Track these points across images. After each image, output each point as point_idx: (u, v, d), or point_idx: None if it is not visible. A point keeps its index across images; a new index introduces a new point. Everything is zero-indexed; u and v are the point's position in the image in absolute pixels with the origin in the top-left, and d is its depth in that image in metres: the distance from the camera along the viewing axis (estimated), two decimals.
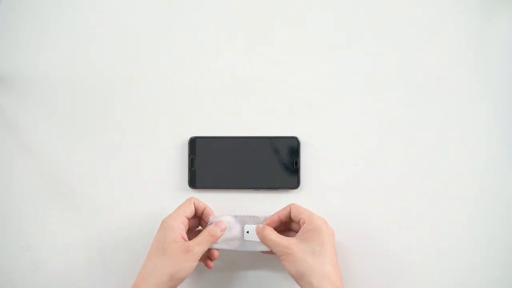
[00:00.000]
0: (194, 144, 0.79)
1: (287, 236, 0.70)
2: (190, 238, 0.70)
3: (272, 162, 0.78)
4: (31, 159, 0.80)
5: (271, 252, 0.71)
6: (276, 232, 0.70)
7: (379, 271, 0.76)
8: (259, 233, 0.71)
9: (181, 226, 0.70)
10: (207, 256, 0.73)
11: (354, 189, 0.77)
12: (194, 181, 0.78)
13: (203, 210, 0.74)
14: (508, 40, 0.78)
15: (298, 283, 0.66)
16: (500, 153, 0.77)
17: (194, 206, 0.73)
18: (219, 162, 0.78)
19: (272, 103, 0.79)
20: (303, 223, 0.70)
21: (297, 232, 0.70)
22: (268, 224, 0.72)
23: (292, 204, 0.73)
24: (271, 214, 0.73)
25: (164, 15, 0.81)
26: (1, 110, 0.81)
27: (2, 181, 0.80)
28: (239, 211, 0.76)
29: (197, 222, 0.75)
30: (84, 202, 0.76)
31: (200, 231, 0.74)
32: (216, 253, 0.73)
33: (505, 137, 0.77)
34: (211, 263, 0.73)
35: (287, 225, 0.74)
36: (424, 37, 0.79)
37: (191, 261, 0.68)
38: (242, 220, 0.73)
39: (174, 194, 0.79)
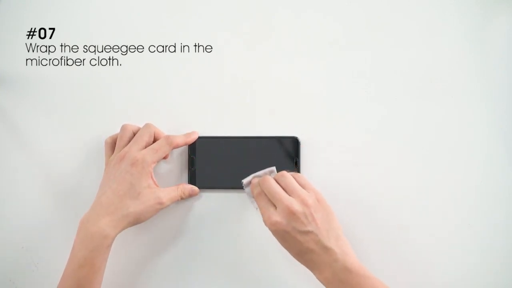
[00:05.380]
0: (194, 144, 0.79)
1: None
2: None
3: (272, 162, 0.78)
4: (31, 159, 0.80)
5: None
6: None
7: (379, 270, 0.75)
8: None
9: (152, 169, 0.74)
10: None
11: (355, 189, 0.77)
12: (194, 181, 0.78)
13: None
14: (508, 40, 0.78)
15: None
16: (500, 153, 0.77)
17: (155, 137, 0.76)
18: (219, 162, 0.78)
19: (272, 103, 0.79)
20: None
21: None
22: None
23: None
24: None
25: (164, 15, 0.81)
26: (1, 110, 0.81)
27: (2, 181, 0.80)
28: (239, 212, 0.76)
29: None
30: (85, 202, 0.76)
31: None
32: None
33: (505, 137, 0.77)
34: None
35: None
36: (424, 37, 0.79)
37: (158, 211, 0.74)
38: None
39: None
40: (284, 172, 0.72)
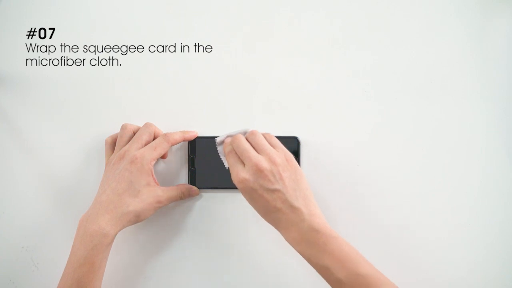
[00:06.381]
0: (194, 144, 0.79)
1: None
2: None
3: None
4: (32, 159, 0.80)
5: None
6: None
7: (380, 270, 0.76)
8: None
9: (152, 167, 0.74)
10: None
11: (355, 189, 0.77)
12: (194, 181, 0.78)
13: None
14: (508, 40, 0.78)
15: None
16: (500, 153, 0.77)
17: (154, 136, 0.77)
18: (219, 162, 0.78)
19: (272, 103, 0.79)
20: None
21: None
22: None
23: None
24: None
25: (164, 15, 0.81)
26: (1, 110, 0.81)
27: (2, 181, 0.80)
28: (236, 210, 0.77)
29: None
30: (85, 202, 0.76)
31: None
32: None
33: (505, 137, 0.77)
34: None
35: None
36: (424, 37, 0.78)
37: (157, 209, 0.74)
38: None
39: None
40: (255, 131, 0.71)
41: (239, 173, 0.68)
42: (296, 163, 0.70)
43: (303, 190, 0.68)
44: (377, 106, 0.78)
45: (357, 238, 0.76)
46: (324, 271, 0.65)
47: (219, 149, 0.74)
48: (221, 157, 0.74)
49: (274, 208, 0.67)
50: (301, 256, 0.69)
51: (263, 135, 0.72)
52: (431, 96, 0.78)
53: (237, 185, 0.69)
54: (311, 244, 0.66)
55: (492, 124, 0.77)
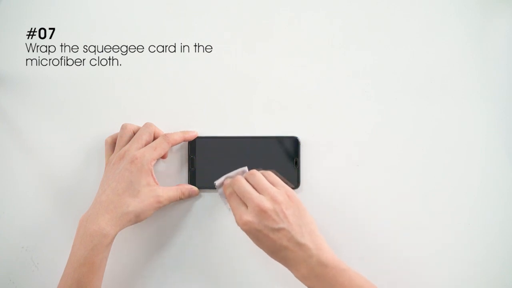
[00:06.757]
0: (194, 144, 0.79)
1: None
2: None
3: (272, 162, 0.78)
4: (32, 159, 0.80)
5: None
6: None
7: (379, 271, 0.76)
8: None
9: (152, 167, 0.74)
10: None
11: (355, 189, 0.77)
12: (194, 181, 0.78)
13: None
14: (508, 40, 0.78)
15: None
16: (500, 153, 0.77)
17: (154, 136, 0.77)
18: (219, 162, 0.78)
19: (272, 103, 0.79)
20: None
21: None
22: None
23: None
24: None
25: (164, 15, 0.81)
26: (1, 110, 0.81)
27: (2, 181, 0.80)
28: None
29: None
30: (85, 202, 0.76)
31: None
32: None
33: (505, 137, 0.77)
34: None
35: None
36: (424, 37, 0.79)
37: (156, 209, 0.73)
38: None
39: None
40: (254, 171, 0.71)
41: (242, 216, 0.68)
42: (298, 198, 0.70)
43: (308, 224, 0.68)
44: (377, 106, 0.78)
45: (357, 237, 0.77)
46: None
47: (219, 191, 0.73)
48: (221, 199, 0.73)
49: (280, 246, 0.66)
50: None
51: (262, 173, 0.71)
52: (431, 96, 0.78)
53: (241, 228, 0.68)
54: (321, 279, 0.65)
55: (492, 124, 0.77)
